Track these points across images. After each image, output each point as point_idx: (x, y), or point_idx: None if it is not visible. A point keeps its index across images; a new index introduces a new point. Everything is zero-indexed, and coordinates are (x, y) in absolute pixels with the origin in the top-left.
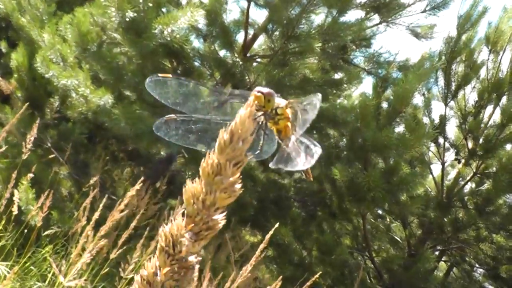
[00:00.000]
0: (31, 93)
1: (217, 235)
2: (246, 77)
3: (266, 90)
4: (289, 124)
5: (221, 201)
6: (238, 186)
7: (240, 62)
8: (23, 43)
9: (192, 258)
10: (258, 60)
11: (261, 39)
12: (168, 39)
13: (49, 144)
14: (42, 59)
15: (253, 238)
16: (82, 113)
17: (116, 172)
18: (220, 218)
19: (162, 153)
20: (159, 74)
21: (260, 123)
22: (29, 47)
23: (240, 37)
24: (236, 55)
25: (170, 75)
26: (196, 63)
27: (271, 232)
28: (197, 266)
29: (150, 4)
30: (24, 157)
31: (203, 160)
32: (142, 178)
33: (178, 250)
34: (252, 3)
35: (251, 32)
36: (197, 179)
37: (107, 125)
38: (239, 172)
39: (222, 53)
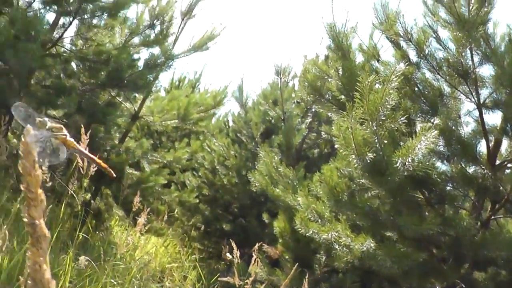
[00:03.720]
0: (297, 253)
1: None
2: (501, 188)
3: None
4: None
5: None
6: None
7: (490, 174)
8: (281, 211)
9: None
10: (509, 165)
11: (505, 142)
12: (411, 169)
13: None
14: (301, 220)
15: None
16: (348, 262)
17: None
18: None
19: (437, 287)
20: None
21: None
22: (287, 213)
23: (483, 147)
24: (483, 167)
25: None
26: (448, 187)
27: None
28: None
29: (385, 141)
30: None
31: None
32: None
33: None
34: (484, 109)
35: (491, 138)
36: None
37: (375, 268)
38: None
39: (471, 169)
